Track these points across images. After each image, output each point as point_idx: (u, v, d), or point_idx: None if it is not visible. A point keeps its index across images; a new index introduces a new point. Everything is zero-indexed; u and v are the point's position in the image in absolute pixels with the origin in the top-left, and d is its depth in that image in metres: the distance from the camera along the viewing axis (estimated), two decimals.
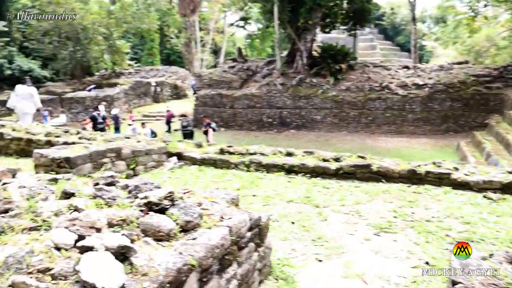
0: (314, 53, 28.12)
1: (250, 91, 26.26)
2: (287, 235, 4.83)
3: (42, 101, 28.84)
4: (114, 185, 3.55)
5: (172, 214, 2.92)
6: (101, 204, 3.08)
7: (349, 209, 5.81)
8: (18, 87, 14.99)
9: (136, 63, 45.90)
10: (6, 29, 37.63)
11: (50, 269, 2.19)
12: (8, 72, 38.49)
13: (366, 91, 24.52)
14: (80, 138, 8.78)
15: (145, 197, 3.04)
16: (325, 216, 5.48)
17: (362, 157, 7.79)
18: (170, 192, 3.06)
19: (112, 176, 3.64)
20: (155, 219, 2.80)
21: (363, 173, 7.44)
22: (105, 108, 24.17)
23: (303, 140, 22.66)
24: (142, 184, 3.36)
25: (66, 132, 9.36)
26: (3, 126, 10.45)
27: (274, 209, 5.73)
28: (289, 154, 8.43)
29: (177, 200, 3.11)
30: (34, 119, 19.96)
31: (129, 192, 3.31)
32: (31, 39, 37.05)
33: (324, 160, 7.86)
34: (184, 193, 3.58)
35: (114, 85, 32.89)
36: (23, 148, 9.58)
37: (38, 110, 14.58)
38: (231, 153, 8.54)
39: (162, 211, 2.97)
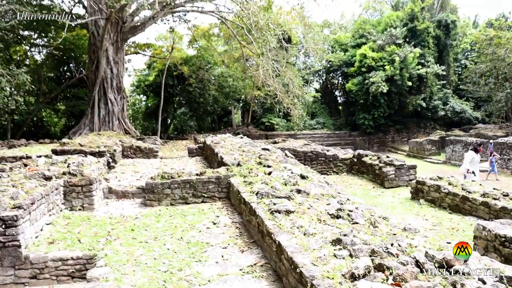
0: None
1: None
2: None
3: (469, 143, 29.01)
4: None
5: None
6: None
7: None
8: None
9: None
10: (444, 72, 40.16)
11: None
12: (442, 113, 40.92)
13: None
14: None
15: None
16: None
17: None
18: None
19: None
20: None
21: None
22: None
23: None
24: None
25: (506, 195, 8.96)
26: (441, 178, 11.13)
27: None
28: None
29: None
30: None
31: None
32: (467, 82, 37.93)
33: None
34: None
35: None
36: (457, 204, 9.88)
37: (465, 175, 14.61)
38: None
39: None
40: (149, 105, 42.32)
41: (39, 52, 34.15)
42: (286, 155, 12.20)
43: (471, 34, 45.63)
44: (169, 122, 41.96)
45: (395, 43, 39.24)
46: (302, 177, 8.94)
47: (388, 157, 14.83)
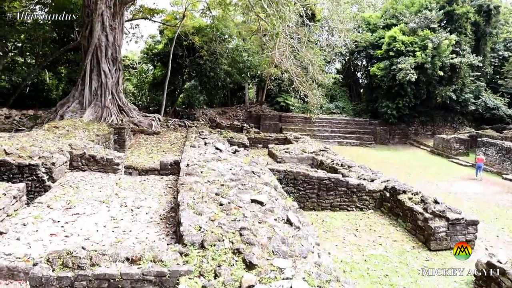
0: None
1: None
2: None
3: (506, 149, 25.76)
4: None
5: None
6: None
7: None
8: None
9: None
10: (481, 64, 36.53)
11: None
12: (472, 107, 37.57)
13: None
14: None
15: None
16: None
17: None
18: None
19: None
20: None
21: None
22: None
23: None
24: None
25: None
26: None
27: None
28: None
29: None
30: None
31: None
32: (508, 77, 34.40)
33: None
34: None
35: None
36: None
37: None
38: None
39: None
40: (157, 75, 39.45)
41: (33, 11, 30.98)
42: (289, 220, 7.44)
43: None
44: (177, 94, 39.12)
45: (429, 27, 35.57)
46: None
47: (436, 202, 11.47)
